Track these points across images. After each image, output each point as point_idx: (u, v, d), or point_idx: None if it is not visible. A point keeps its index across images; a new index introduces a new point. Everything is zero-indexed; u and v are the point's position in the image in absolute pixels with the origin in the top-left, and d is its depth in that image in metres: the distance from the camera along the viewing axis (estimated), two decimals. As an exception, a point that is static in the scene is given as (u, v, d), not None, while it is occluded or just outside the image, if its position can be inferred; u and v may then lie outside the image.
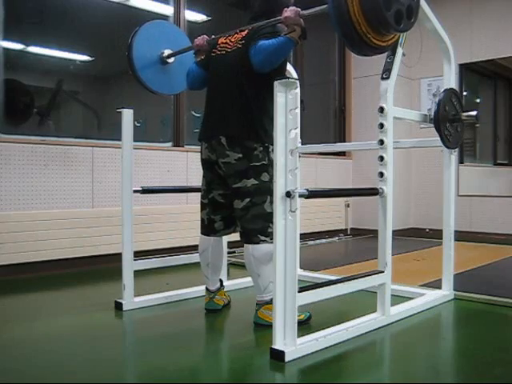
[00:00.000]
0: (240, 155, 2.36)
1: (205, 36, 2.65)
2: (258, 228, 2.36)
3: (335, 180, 5.97)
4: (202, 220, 2.62)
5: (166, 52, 2.86)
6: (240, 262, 3.85)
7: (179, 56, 2.92)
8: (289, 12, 2.20)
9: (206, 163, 2.54)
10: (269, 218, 2.29)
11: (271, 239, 2.32)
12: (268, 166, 2.37)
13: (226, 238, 2.90)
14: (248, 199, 2.37)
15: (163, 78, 2.90)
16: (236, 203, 2.42)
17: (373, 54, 2.10)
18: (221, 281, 2.73)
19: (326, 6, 1.96)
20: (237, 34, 2.49)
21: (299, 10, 2.21)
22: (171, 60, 2.89)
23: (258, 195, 2.36)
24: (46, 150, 3.72)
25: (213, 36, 2.63)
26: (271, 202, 2.30)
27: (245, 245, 2.40)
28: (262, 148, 2.37)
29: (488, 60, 5.77)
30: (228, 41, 2.51)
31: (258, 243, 2.35)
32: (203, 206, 2.61)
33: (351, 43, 1.91)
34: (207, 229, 2.61)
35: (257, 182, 2.36)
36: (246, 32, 2.44)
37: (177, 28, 3.19)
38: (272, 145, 2.35)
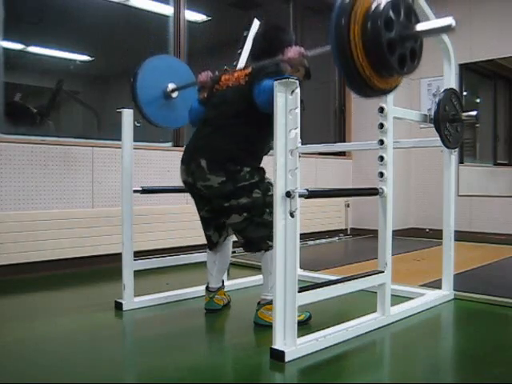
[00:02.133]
0: (223, 179, 2.29)
1: (208, 72, 2.68)
2: (264, 235, 2.33)
3: (335, 180, 5.97)
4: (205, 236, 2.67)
5: (170, 86, 2.88)
6: (240, 262, 3.86)
7: (183, 90, 2.94)
8: (292, 52, 2.18)
9: (185, 185, 2.50)
10: (272, 225, 2.27)
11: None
12: (259, 182, 2.32)
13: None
14: (245, 213, 2.34)
15: (166, 111, 2.92)
16: (233, 217, 2.38)
17: (376, 96, 2.11)
18: (222, 281, 2.74)
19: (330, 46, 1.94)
20: (240, 71, 2.50)
21: (302, 50, 2.20)
22: (175, 94, 2.90)
23: (255, 209, 2.33)
24: (45, 150, 3.72)
25: (216, 72, 2.66)
26: (270, 213, 2.25)
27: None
28: (248, 169, 2.31)
29: (488, 60, 5.78)
30: (231, 77, 2.51)
31: (267, 250, 2.34)
32: (201, 221, 2.64)
33: (355, 87, 1.91)
34: (209, 244, 2.67)
35: (249, 200, 2.31)
36: (249, 70, 2.44)
37: (181, 62, 3.22)
38: (259, 162, 2.36)
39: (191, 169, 2.38)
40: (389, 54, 1.80)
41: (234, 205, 2.33)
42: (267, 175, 2.38)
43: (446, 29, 1.91)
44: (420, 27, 1.92)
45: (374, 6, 1.82)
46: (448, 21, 1.88)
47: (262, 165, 2.44)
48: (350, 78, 1.84)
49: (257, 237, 2.37)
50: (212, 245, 2.66)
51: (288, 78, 1.93)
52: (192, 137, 2.52)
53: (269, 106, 2.05)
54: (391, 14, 1.83)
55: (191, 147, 2.46)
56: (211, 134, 2.40)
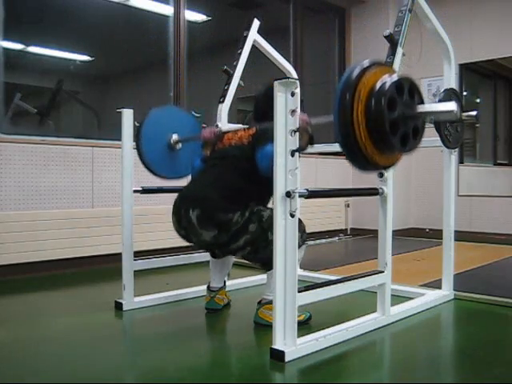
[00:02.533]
0: (215, 232, 2.25)
1: (213, 129, 2.69)
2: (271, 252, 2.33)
3: (335, 180, 5.97)
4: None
5: (174, 138, 2.89)
6: (240, 262, 3.85)
7: (187, 142, 2.96)
8: (299, 120, 2.16)
9: (179, 235, 2.45)
10: None
11: (299, 246, 2.34)
12: (251, 216, 2.26)
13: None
14: (248, 247, 2.31)
15: (170, 162, 2.94)
16: (239, 253, 2.38)
17: (376, 171, 2.16)
18: (224, 281, 2.74)
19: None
20: (244, 130, 2.49)
21: (307, 118, 2.20)
22: (179, 146, 2.92)
23: (257, 239, 2.28)
24: (45, 150, 3.72)
25: (221, 129, 2.69)
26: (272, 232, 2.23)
27: None
28: (239, 213, 2.25)
29: (488, 60, 5.77)
30: (234, 136, 2.51)
31: None
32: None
33: (357, 164, 1.92)
34: (212, 255, 2.66)
35: (248, 236, 2.27)
36: (253, 131, 2.44)
37: (185, 112, 3.25)
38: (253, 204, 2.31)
39: (182, 224, 2.34)
40: (391, 134, 1.82)
41: (233, 248, 2.32)
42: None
43: (448, 114, 1.93)
44: (423, 109, 1.93)
45: (378, 85, 1.83)
46: (451, 106, 1.89)
47: None
48: (352, 155, 1.86)
49: (268, 256, 2.33)
50: (215, 256, 2.66)
51: (288, 78, 1.93)
52: (185, 186, 2.52)
53: (270, 171, 2.02)
54: (395, 94, 1.84)
55: (183, 197, 2.41)
56: (205, 185, 2.36)
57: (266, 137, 2.24)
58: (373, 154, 1.86)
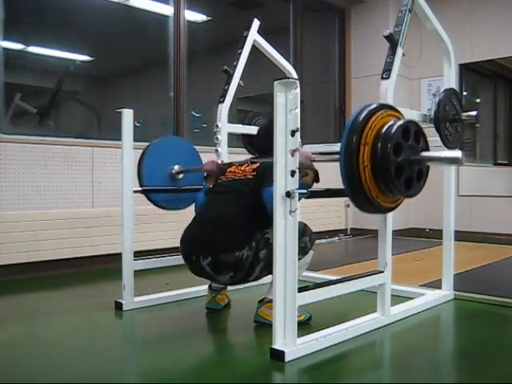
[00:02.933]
0: (231, 273, 2.26)
1: (214, 161, 2.70)
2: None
3: (335, 180, 5.96)
4: None
5: (176, 168, 2.89)
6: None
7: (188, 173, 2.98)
8: (301, 157, 2.11)
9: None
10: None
11: (307, 251, 2.37)
12: (258, 245, 2.25)
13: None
14: (265, 272, 2.30)
15: (172, 194, 2.95)
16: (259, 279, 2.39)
17: (381, 213, 2.17)
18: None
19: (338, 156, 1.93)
20: (248, 165, 2.47)
21: (310, 154, 2.19)
22: (180, 176, 2.92)
23: (271, 262, 2.15)
24: (45, 150, 3.72)
25: (222, 160, 2.71)
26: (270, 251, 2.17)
27: None
28: (247, 247, 2.23)
29: (488, 60, 5.78)
30: (237, 170, 2.49)
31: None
32: None
33: (361, 206, 1.93)
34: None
35: (261, 263, 2.26)
36: (257, 165, 2.42)
37: (185, 142, 3.27)
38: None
39: (197, 271, 2.33)
40: (396, 178, 1.83)
41: (253, 278, 2.32)
42: None
43: (453, 161, 1.95)
44: (427, 155, 1.94)
45: (384, 129, 1.84)
46: (456, 154, 1.91)
47: None
48: (356, 197, 1.87)
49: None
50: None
51: (288, 78, 1.93)
52: (191, 223, 2.43)
53: None
54: (401, 138, 1.86)
55: (190, 241, 2.36)
56: (211, 224, 2.32)
57: (271, 174, 2.16)
58: (377, 196, 1.88)
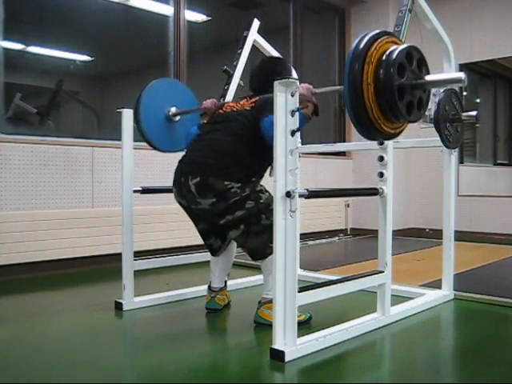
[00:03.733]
0: (213, 200, 2.28)
1: (214, 100, 2.68)
2: (266, 240, 2.29)
3: (335, 180, 5.97)
4: (205, 245, 2.67)
5: (173, 110, 2.88)
6: (240, 262, 3.85)
7: (185, 115, 2.94)
8: (301, 89, 2.14)
9: (180, 205, 2.49)
10: (271, 228, 2.29)
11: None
12: (250, 194, 2.29)
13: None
14: (242, 225, 2.33)
15: (168, 135, 2.92)
16: (232, 233, 2.40)
17: (380, 139, 2.16)
18: (225, 281, 2.74)
19: (340, 86, 1.95)
20: (246, 100, 2.49)
21: (311, 87, 2.20)
22: (177, 118, 2.91)
23: (251, 218, 2.31)
24: (45, 150, 3.72)
25: (221, 100, 2.67)
26: (267, 218, 2.27)
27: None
28: (239, 185, 2.27)
29: (488, 60, 5.77)
30: (235, 105, 2.50)
31: (271, 253, 2.35)
32: (199, 233, 2.63)
33: (362, 126, 1.93)
34: (211, 253, 2.68)
35: (244, 212, 2.30)
36: (256, 99, 2.43)
37: (184, 86, 3.24)
38: (252, 178, 2.33)
39: (183, 193, 2.36)
40: (398, 99, 1.84)
41: (229, 220, 2.32)
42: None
43: (457, 81, 1.96)
44: (430, 78, 1.95)
45: (389, 51, 1.86)
46: (459, 74, 1.92)
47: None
48: (358, 116, 1.87)
49: (259, 244, 2.35)
50: (214, 252, 2.66)
51: (288, 78, 1.93)
52: (184, 154, 2.49)
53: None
54: (405, 61, 1.87)
55: (182, 165, 2.42)
56: (203, 151, 2.37)
57: (269, 105, 2.22)
58: (378, 118, 1.87)
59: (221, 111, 2.54)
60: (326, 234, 5.70)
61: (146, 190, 2.93)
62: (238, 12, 5.58)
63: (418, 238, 5.74)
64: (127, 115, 2.68)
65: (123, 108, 2.68)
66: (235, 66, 3.16)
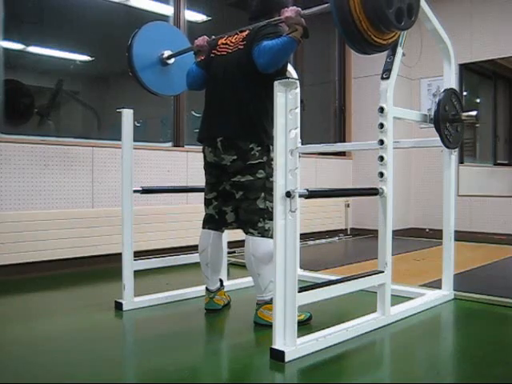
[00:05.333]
0: (234, 157, 2.40)
1: (205, 36, 2.64)
2: (247, 220, 2.42)
3: (335, 180, 5.97)
4: (210, 215, 2.61)
5: (166, 53, 2.86)
6: (240, 262, 3.85)
7: (179, 57, 2.92)
8: (290, 12, 2.19)
9: (211, 165, 2.56)
10: (260, 213, 2.39)
11: (268, 236, 2.34)
12: (265, 164, 2.40)
13: (225, 238, 2.91)
14: (241, 192, 2.43)
15: (163, 78, 2.91)
16: (234, 195, 2.49)
17: (373, 52, 2.10)
18: (221, 281, 2.73)
19: (327, 5, 1.95)
20: (237, 34, 2.49)
21: (299, 9, 2.21)
22: (171, 61, 2.89)
23: (252, 190, 2.40)
24: (45, 150, 3.72)
25: (213, 36, 2.62)
26: (265, 199, 2.37)
27: (245, 245, 2.41)
28: (259, 148, 2.39)
29: (488, 60, 5.77)
30: (228, 42, 2.51)
31: (247, 234, 2.42)
32: (209, 202, 2.61)
33: (352, 40, 1.91)
34: (217, 223, 2.60)
35: (251, 178, 2.39)
36: (246, 32, 2.43)
37: (176, 29, 3.20)
38: (272, 145, 2.35)
39: (213, 149, 2.48)
40: (386, 7, 1.81)
41: (237, 181, 2.42)
42: None
43: None
44: None
45: None
46: None
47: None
48: (348, 31, 1.85)
49: (243, 220, 2.45)
50: (221, 222, 2.60)
51: (288, 78, 1.93)
52: (204, 110, 2.57)
53: (271, 67, 2.12)
54: None
55: (207, 125, 2.53)
56: (223, 107, 2.45)
57: (260, 35, 2.29)
58: (368, 29, 1.85)
59: (216, 52, 2.55)
60: (326, 234, 5.70)
61: (145, 190, 2.93)
62: (238, 12, 5.58)
63: (418, 238, 5.74)
64: (127, 115, 2.68)
65: (123, 108, 2.68)
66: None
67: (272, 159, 2.34)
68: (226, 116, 2.42)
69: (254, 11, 2.51)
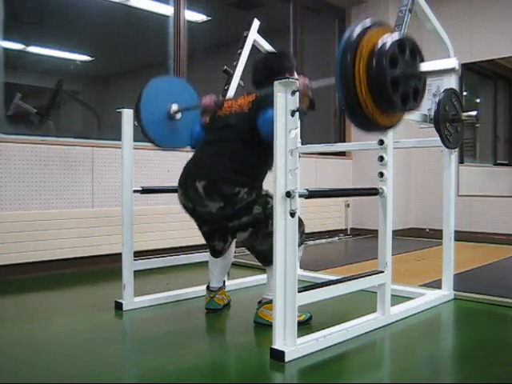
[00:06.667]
0: (221, 204, 2.27)
1: (212, 96, 2.69)
2: (263, 257, 2.36)
3: (335, 180, 5.97)
4: (212, 248, 2.65)
5: (174, 107, 2.89)
6: (240, 262, 3.86)
7: (186, 112, 2.95)
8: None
9: (185, 209, 2.48)
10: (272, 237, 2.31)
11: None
12: (257, 199, 2.30)
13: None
14: (250, 228, 2.33)
15: (169, 132, 2.93)
16: (240, 235, 2.39)
17: (378, 131, 2.14)
18: (223, 280, 2.74)
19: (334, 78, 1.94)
20: (244, 97, 2.48)
21: (307, 81, 2.20)
22: (178, 115, 2.92)
23: (259, 224, 2.32)
24: (45, 150, 3.72)
25: (221, 96, 2.67)
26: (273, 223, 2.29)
27: None
28: (246, 189, 2.27)
29: (488, 60, 5.78)
30: (234, 103, 2.50)
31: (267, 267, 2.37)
32: (205, 235, 2.63)
33: (358, 122, 1.92)
34: (213, 255, 2.67)
35: (251, 217, 2.30)
36: (253, 97, 2.42)
37: (184, 82, 3.24)
38: (261, 186, 2.34)
39: (189, 194, 2.36)
40: (392, 92, 1.82)
41: (237, 224, 2.34)
42: (266, 187, 2.39)
43: (450, 71, 1.94)
44: (424, 67, 1.93)
45: (380, 44, 1.84)
46: (452, 63, 1.90)
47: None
48: (353, 112, 1.86)
49: (267, 248, 2.32)
50: (217, 253, 2.65)
51: (288, 78, 1.93)
52: (190, 159, 2.49)
53: (273, 137, 2.04)
54: (397, 52, 1.84)
55: (189, 169, 2.43)
56: (210, 156, 2.37)
57: (266, 102, 2.24)
58: (373, 111, 1.85)
59: (220, 113, 2.53)
60: (326, 234, 5.70)
61: (145, 190, 2.93)
62: (238, 12, 5.59)
63: (417, 238, 5.74)
64: (127, 115, 2.68)
65: (123, 108, 2.68)
66: (235, 66, 3.17)
67: (263, 191, 2.34)
68: (210, 162, 2.34)
69: (258, 76, 2.52)
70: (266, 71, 2.47)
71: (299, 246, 2.39)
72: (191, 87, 3.06)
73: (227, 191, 2.25)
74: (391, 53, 1.82)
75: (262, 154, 2.31)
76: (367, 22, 1.87)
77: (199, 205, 2.35)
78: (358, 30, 1.83)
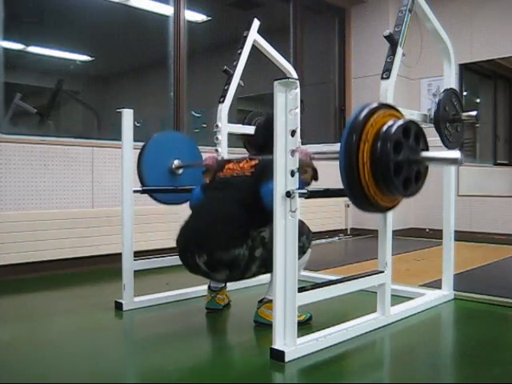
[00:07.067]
0: (227, 272, 2.24)
1: (215, 156, 2.71)
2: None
3: (335, 180, 5.96)
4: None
5: (176, 163, 2.89)
6: (240, 262, 3.85)
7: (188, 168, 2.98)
8: (301, 154, 2.11)
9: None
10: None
11: (303, 252, 2.34)
12: (254, 244, 2.22)
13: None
14: (263, 269, 2.29)
15: (169, 186, 2.96)
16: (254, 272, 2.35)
17: (376, 212, 2.16)
18: (225, 280, 2.74)
19: (338, 147, 1.93)
20: (246, 161, 2.45)
21: (310, 152, 2.19)
22: (180, 171, 2.93)
23: (267, 261, 2.19)
24: (45, 150, 3.72)
25: (223, 157, 2.71)
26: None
27: None
28: (244, 246, 2.20)
29: (488, 60, 5.78)
30: (235, 166, 2.46)
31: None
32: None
33: (359, 203, 1.94)
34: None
35: (258, 261, 2.25)
36: (256, 162, 2.39)
37: (186, 137, 3.27)
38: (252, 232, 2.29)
39: (193, 269, 2.31)
40: (394, 176, 1.84)
41: (249, 275, 2.31)
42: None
43: (453, 161, 1.96)
44: (427, 155, 1.95)
45: (385, 128, 1.85)
46: (455, 155, 1.92)
47: None
48: (354, 193, 1.88)
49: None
50: (219, 281, 2.64)
51: (288, 78, 1.93)
52: (188, 220, 2.40)
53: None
54: (401, 137, 1.87)
55: (185, 236, 2.34)
56: (207, 219, 2.32)
57: (268, 173, 2.13)
58: (375, 194, 1.89)
59: (221, 174, 2.49)
60: (326, 234, 5.70)
61: (145, 190, 2.93)
62: (238, 12, 5.59)
63: (417, 238, 5.74)
64: (127, 115, 2.68)
65: (123, 108, 2.68)
66: (235, 66, 3.17)
67: (253, 232, 2.27)
68: (209, 228, 2.26)
69: (261, 141, 2.51)
70: (268, 137, 2.43)
71: (306, 251, 2.39)
72: (192, 141, 3.10)
73: (228, 258, 2.19)
74: (396, 139, 1.84)
75: (260, 217, 2.25)
76: (374, 105, 1.88)
77: (206, 276, 2.36)
78: (365, 112, 1.84)
